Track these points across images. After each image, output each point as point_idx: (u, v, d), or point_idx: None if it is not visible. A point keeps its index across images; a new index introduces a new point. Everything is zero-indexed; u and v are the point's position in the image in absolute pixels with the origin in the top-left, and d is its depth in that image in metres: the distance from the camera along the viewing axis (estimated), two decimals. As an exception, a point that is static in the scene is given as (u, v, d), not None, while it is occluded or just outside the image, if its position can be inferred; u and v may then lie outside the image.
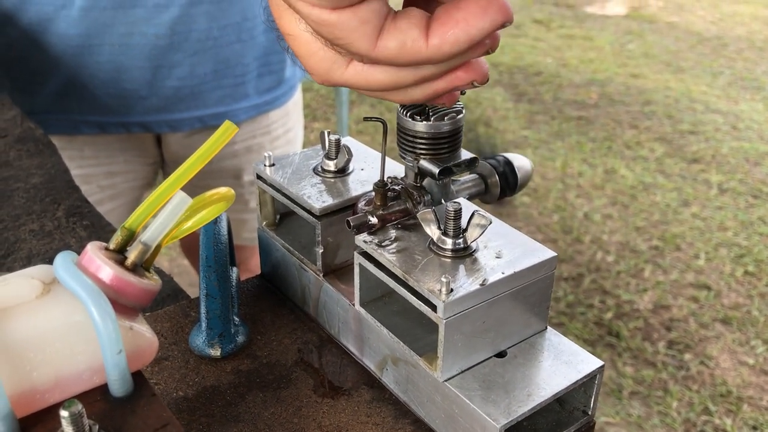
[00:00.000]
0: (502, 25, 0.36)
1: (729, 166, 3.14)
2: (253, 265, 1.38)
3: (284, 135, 1.36)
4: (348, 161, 0.59)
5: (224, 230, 0.58)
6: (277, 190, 0.58)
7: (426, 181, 0.54)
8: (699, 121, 3.58)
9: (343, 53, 0.38)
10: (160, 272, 0.71)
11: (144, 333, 0.41)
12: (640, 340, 2.16)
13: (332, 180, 0.58)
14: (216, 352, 0.55)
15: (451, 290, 0.45)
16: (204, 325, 0.55)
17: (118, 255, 0.42)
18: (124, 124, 1.18)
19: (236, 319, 0.57)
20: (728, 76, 4.18)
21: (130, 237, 0.42)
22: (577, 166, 3.13)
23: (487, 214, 0.48)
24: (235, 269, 0.62)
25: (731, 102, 3.83)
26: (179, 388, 0.52)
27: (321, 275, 0.57)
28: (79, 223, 0.78)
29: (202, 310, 0.55)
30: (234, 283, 0.59)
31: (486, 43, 0.38)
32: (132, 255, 0.41)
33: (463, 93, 0.45)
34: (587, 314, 2.26)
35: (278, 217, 0.63)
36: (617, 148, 3.30)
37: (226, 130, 0.43)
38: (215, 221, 0.58)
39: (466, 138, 3.32)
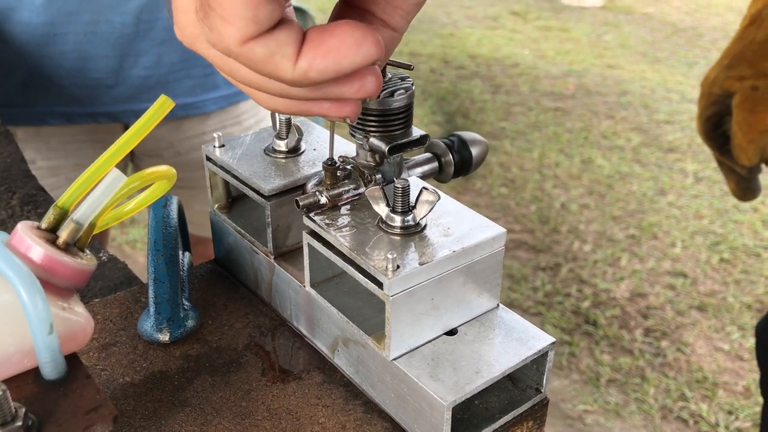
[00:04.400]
0: (374, 62, 0.34)
1: (704, 155, 3.15)
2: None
3: (256, 125, 1.34)
4: (299, 141, 0.58)
5: (174, 213, 0.57)
6: (227, 172, 0.57)
7: (378, 160, 0.53)
8: (675, 111, 3.60)
9: (208, 34, 0.33)
10: (114, 259, 0.70)
11: (78, 314, 0.40)
12: (617, 329, 2.17)
13: (283, 160, 0.57)
14: (164, 337, 0.53)
15: (398, 267, 0.44)
16: (152, 309, 0.54)
17: (51, 234, 0.41)
18: (91, 114, 1.16)
19: (186, 303, 0.56)
20: (703, 66, 4.20)
21: (63, 216, 0.41)
22: (554, 156, 3.14)
23: (437, 191, 0.47)
24: (187, 254, 0.60)
25: (707, 91, 3.84)
26: (126, 373, 0.51)
27: (272, 258, 0.56)
28: (33, 212, 0.76)
29: (151, 294, 0.54)
30: (185, 268, 0.58)
31: (357, 85, 0.35)
32: (63, 234, 0.40)
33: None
34: (564, 303, 2.26)
35: (230, 200, 0.62)
36: (594, 139, 3.31)
37: (161, 105, 0.42)
38: (164, 204, 0.57)
39: (444, 130, 3.31)
